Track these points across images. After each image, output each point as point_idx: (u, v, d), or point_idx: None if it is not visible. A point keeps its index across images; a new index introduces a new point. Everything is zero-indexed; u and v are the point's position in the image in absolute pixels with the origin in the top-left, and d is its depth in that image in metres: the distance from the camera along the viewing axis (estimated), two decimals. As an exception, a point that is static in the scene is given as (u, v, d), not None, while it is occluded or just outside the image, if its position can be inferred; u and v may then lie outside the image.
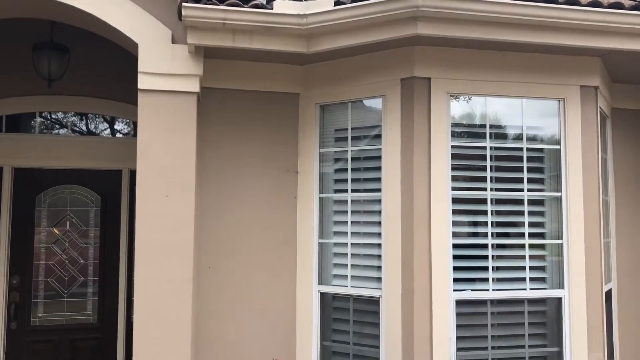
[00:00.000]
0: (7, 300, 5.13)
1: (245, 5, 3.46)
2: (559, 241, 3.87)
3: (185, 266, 3.58)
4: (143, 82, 3.61)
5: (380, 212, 3.83)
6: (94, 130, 5.92)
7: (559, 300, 3.83)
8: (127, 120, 5.79)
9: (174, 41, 3.65)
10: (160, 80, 3.62)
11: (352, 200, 3.99)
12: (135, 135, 5.44)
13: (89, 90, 5.36)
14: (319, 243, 4.06)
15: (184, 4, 3.37)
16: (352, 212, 3.98)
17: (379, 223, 3.83)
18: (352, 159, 4.01)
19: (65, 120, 5.69)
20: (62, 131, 5.69)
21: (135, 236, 3.59)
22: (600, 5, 3.46)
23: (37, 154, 5.24)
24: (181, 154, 3.62)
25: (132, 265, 5.20)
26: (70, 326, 5.26)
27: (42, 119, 5.62)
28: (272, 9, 3.50)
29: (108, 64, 5.26)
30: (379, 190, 3.84)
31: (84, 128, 5.88)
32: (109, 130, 5.98)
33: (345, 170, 4.03)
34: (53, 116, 5.68)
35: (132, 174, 5.33)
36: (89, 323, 5.30)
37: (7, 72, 5.18)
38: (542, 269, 3.89)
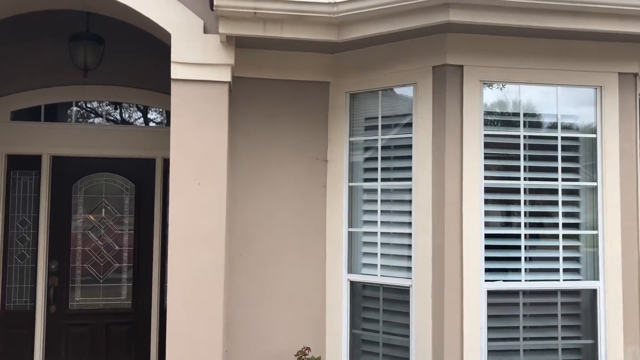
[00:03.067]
0: (46, 284, 5.30)
1: (276, -6, 3.46)
2: (594, 232, 3.79)
3: (217, 253, 3.64)
4: (176, 72, 3.65)
5: (410, 201, 3.81)
6: (127, 119, 6.04)
7: (593, 292, 3.76)
8: (160, 110, 5.88)
9: (205, 31, 3.68)
10: (193, 70, 3.66)
11: (382, 189, 3.98)
12: (168, 124, 5.53)
13: (124, 80, 5.45)
14: (349, 232, 4.07)
15: (215, -7, 3.38)
16: (382, 201, 3.97)
17: (409, 212, 3.82)
18: (382, 147, 4.00)
19: (100, 110, 5.82)
20: (97, 120, 5.82)
21: (168, 224, 3.66)
22: (640, -11, 3.35)
23: (73, 143, 5.37)
24: (213, 143, 3.67)
25: (165, 251, 5.31)
26: (105, 311, 5.41)
27: (77, 108, 5.75)
28: (303, -3, 3.49)
29: (142, 54, 5.34)
30: (409, 179, 3.82)
31: (118, 117, 6.00)
32: (142, 119, 6.08)
33: (375, 159, 4.02)
34: (88, 105, 5.81)
35: (166, 162, 5.42)
36: (123, 308, 5.44)
37: (45, 63, 5.30)
38: (576, 259, 3.82)
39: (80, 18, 4.92)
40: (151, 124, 6.06)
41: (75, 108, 5.71)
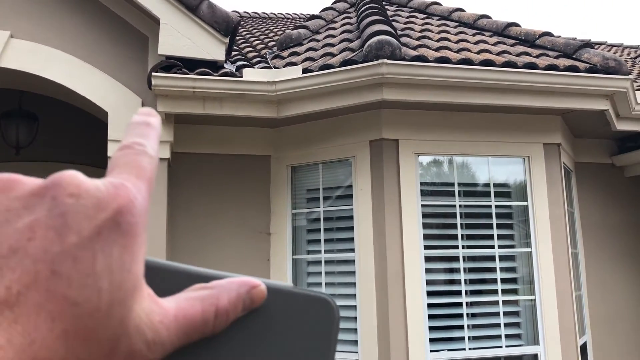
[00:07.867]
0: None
1: (215, 74, 3.52)
2: (532, 297, 3.90)
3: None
4: (113, 150, 3.59)
5: (354, 272, 3.82)
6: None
7: (535, 357, 3.82)
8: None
9: (144, 109, 3.67)
10: (131, 148, 3.61)
11: (325, 261, 3.97)
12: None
13: (59, 156, 5.32)
14: (294, 306, 4.00)
15: (153, 73, 3.41)
16: (326, 273, 3.96)
17: (354, 284, 3.82)
18: (325, 219, 4.02)
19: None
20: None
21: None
22: (557, 68, 3.62)
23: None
24: (152, 221, 3.59)
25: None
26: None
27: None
28: (241, 76, 3.57)
29: (79, 130, 5.25)
30: (352, 250, 3.85)
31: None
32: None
33: (318, 230, 4.04)
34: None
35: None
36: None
37: (-25, 139, 5.12)
38: (516, 325, 3.89)
39: (14, 95, 4.82)
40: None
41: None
